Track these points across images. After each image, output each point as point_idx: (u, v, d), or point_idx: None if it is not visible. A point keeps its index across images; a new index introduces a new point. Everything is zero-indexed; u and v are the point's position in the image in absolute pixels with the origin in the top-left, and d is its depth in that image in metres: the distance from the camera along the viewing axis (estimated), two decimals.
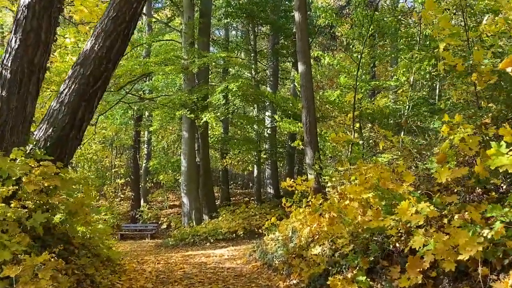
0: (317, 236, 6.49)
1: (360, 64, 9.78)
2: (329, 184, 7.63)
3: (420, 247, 3.33)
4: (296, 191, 7.80)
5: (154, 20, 19.59)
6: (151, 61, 15.25)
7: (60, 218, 4.90)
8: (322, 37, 22.05)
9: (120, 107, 18.27)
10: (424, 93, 10.42)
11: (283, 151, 19.69)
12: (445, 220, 3.50)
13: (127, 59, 15.67)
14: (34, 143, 5.34)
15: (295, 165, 19.75)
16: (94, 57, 5.73)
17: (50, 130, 5.47)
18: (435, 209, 3.40)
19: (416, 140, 6.86)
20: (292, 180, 8.10)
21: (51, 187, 4.71)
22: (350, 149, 8.26)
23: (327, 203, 6.62)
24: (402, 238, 3.77)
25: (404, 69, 10.10)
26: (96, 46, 5.77)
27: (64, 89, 5.67)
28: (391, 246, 4.18)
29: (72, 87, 5.64)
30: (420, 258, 3.43)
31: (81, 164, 20.80)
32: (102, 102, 15.52)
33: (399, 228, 3.73)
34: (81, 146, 18.86)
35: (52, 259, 3.66)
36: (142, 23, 21.68)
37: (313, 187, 8.39)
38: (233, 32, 26.46)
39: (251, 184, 25.23)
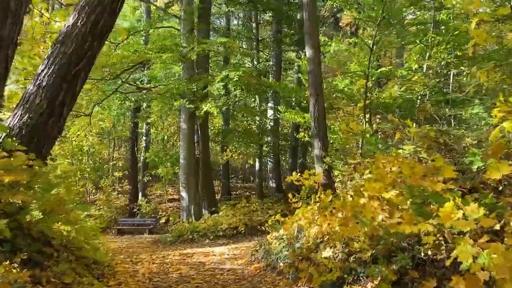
0: (327, 237, 5.85)
1: (372, 51, 9.03)
2: (339, 178, 6.99)
3: (468, 260, 2.65)
4: (304, 186, 7.13)
5: (152, 6, 18.79)
6: (148, 48, 14.49)
7: (35, 218, 4.24)
8: (326, 27, 21.25)
9: (117, 98, 17.53)
10: (438, 81, 9.69)
11: (286, 144, 19.01)
12: (497, 226, 2.83)
13: (124, 47, 14.93)
14: (8, 131, 4.67)
15: (298, 158, 19.07)
16: (77, 33, 5.05)
17: (26, 117, 4.80)
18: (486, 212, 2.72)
19: (448, 129, 6.17)
20: (299, 174, 7.44)
21: (23, 182, 4.07)
22: (362, 141, 7.57)
23: (339, 201, 5.97)
24: (442, 248, 3.10)
25: (418, 55, 9.37)
26: (80, 21, 5.09)
27: (42, 70, 4.99)
28: (422, 254, 3.53)
29: (52, 68, 4.96)
30: (467, 271, 2.76)
31: (77, 156, 20.11)
32: (98, 92, 14.81)
33: (437, 235, 3.06)
34: (75, 138, 18.34)
35: (14, 270, 2.99)
36: (141, 12, 20.88)
37: (321, 182, 7.73)
38: (235, 22, 25.68)
39: (252, 178, 24.58)
